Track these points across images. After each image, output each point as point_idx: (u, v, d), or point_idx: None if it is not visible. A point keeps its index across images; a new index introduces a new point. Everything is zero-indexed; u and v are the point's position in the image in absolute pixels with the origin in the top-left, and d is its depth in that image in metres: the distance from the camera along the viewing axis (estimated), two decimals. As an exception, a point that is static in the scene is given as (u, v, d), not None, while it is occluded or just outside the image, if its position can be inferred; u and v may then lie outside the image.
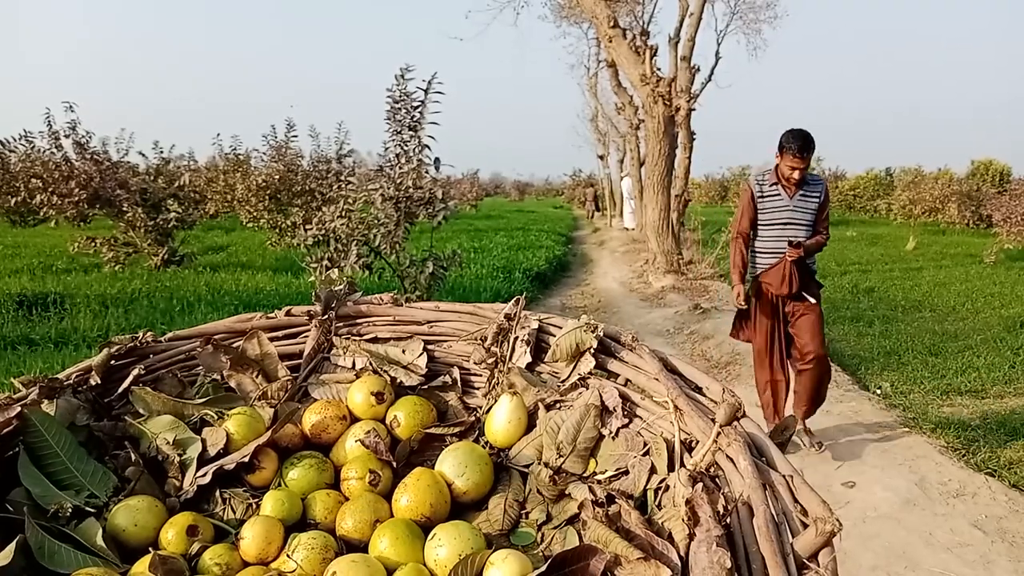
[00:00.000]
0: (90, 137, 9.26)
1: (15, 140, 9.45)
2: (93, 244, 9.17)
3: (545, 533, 0.90)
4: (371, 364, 1.17)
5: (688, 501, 0.76)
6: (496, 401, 1.07)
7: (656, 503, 0.86)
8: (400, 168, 4.47)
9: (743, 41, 27.36)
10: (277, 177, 10.69)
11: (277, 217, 10.56)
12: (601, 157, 25.65)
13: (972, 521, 3.03)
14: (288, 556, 0.85)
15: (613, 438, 0.97)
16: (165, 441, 1.00)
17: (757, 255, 3.68)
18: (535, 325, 1.12)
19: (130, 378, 1.09)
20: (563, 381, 1.06)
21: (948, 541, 2.88)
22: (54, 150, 9.09)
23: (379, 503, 0.96)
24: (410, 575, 0.83)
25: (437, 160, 4.59)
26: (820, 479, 3.38)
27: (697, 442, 0.87)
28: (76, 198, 8.89)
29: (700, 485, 0.78)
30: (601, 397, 0.99)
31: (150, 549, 0.87)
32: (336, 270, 4.44)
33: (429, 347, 1.20)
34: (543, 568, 0.73)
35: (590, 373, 1.03)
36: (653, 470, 0.89)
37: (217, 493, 0.98)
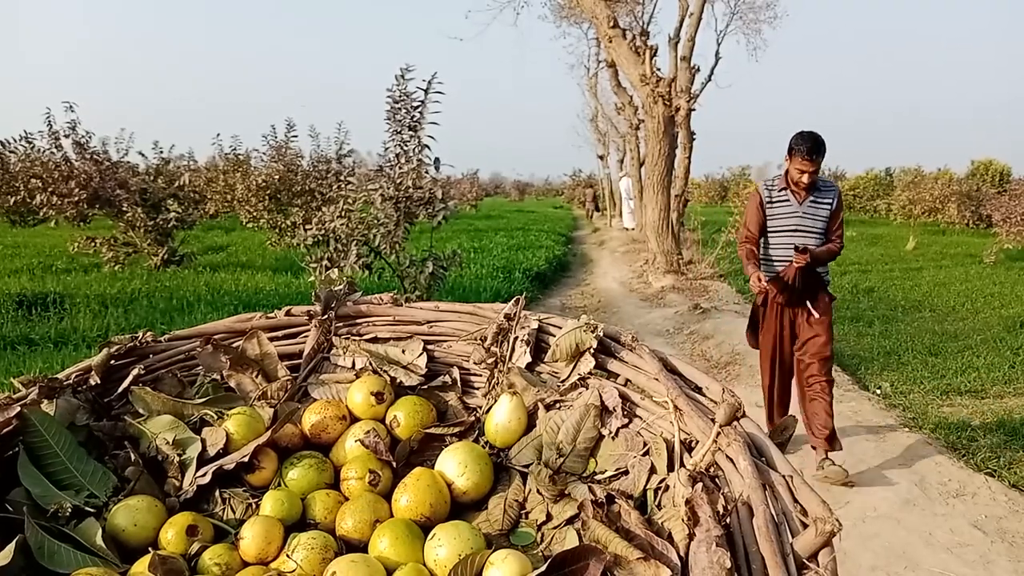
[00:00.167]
0: (90, 137, 9.27)
1: (15, 140, 9.44)
2: (93, 244, 9.17)
3: (545, 533, 0.90)
4: (371, 364, 1.17)
5: (688, 501, 0.76)
6: (496, 401, 1.07)
7: (656, 503, 0.86)
8: (400, 168, 4.47)
9: (743, 41, 27.35)
10: (277, 177, 10.69)
11: (277, 217, 10.56)
12: (601, 157, 25.64)
13: (972, 521, 3.03)
14: (288, 556, 0.85)
15: (613, 438, 0.97)
16: (165, 441, 1.00)
17: (764, 264, 3.49)
18: (535, 325, 1.12)
19: (130, 378, 1.09)
20: (563, 381, 1.06)
21: (948, 541, 2.88)
22: (54, 150, 9.09)
23: (379, 503, 0.96)
24: (410, 575, 0.83)
25: (437, 160, 4.59)
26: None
27: (697, 442, 0.87)
28: (76, 198, 8.89)
29: (700, 485, 0.78)
30: (601, 397, 0.99)
31: (150, 549, 0.87)
32: (336, 270, 4.44)
33: (429, 347, 1.20)
34: (543, 568, 0.73)
35: (590, 373, 1.03)
36: (653, 470, 0.89)
37: (217, 493, 0.98)
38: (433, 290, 4.72)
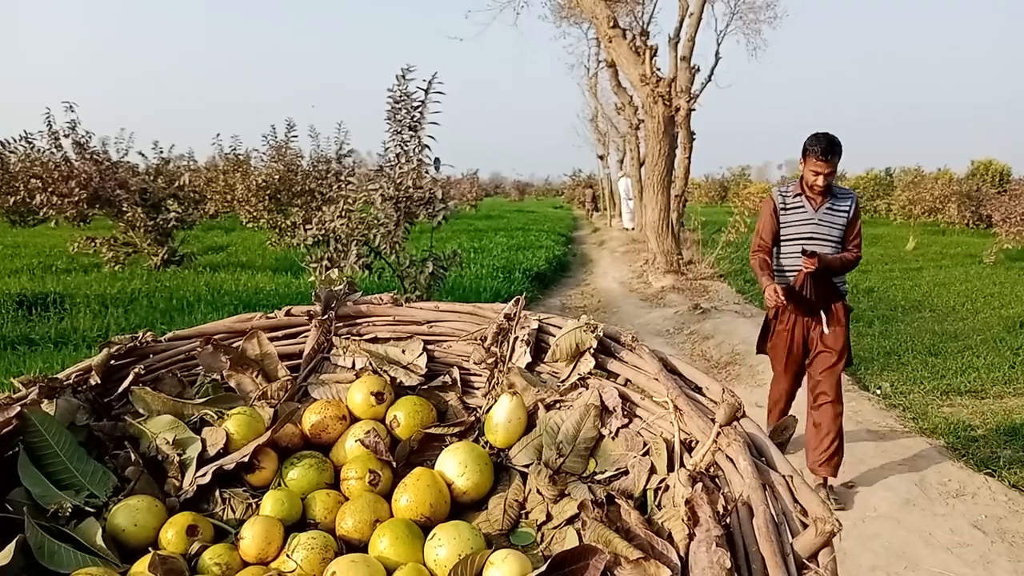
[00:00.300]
0: (90, 137, 9.27)
1: (15, 140, 9.44)
2: (93, 244, 9.17)
3: (545, 533, 0.90)
4: (371, 364, 1.17)
5: (688, 501, 0.76)
6: (496, 401, 1.07)
7: (656, 503, 0.86)
8: (400, 168, 4.47)
9: (743, 41, 27.36)
10: (277, 177, 10.68)
11: (277, 217, 10.55)
12: (601, 157, 25.65)
13: (972, 521, 3.03)
14: (288, 556, 0.85)
15: (613, 438, 0.97)
16: (165, 441, 1.00)
17: (777, 274, 3.31)
18: (535, 325, 1.12)
19: (130, 378, 1.09)
20: (563, 381, 1.06)
21: (948, 541, 2.88)
22: (54, 150, 9.09)
23: (379, 503, 0.96)
24: (410, 575, 0.83)
25: (437, 160, 4.59)
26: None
27: (697, 442, 0.87)
28: (76, 198, 8.88)
29: (700, 485, 0.78)
30: (601, 397, 0.99)
31: (150, 549, 0.87)
32: (336, 270, 4.44)
33: (429, 347, 1.20)
34: (543, 568, 0.73)
35: (590, 373, 1.03)
36: (653, 470, 0.89)
37: (217, 493, 0.98)
38: (433, 290, 4.72)
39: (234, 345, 1.18)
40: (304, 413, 1.11)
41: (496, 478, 1.02)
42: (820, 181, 3.13)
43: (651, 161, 10.17)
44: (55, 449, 0.95)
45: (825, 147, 3.06)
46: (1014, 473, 3.45)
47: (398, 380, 1.15)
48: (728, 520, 0.74)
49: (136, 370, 1.11)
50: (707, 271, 10.01)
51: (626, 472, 0.92)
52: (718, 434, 0.82)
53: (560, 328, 1.08)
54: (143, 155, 10.35)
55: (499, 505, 0.95)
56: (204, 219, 12.75)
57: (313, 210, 8.23)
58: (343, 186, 5.62)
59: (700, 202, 31.97)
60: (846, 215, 3.21)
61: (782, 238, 3.31)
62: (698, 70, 12.04)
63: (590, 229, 22.04)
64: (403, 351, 1.19)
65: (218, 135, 15.89)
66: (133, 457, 0.99)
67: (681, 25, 12.44)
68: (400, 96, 4.38)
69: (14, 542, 0.80)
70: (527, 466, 1.01)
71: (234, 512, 0.96)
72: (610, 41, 10.10)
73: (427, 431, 1.09)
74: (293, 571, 0.84)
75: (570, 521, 0.88)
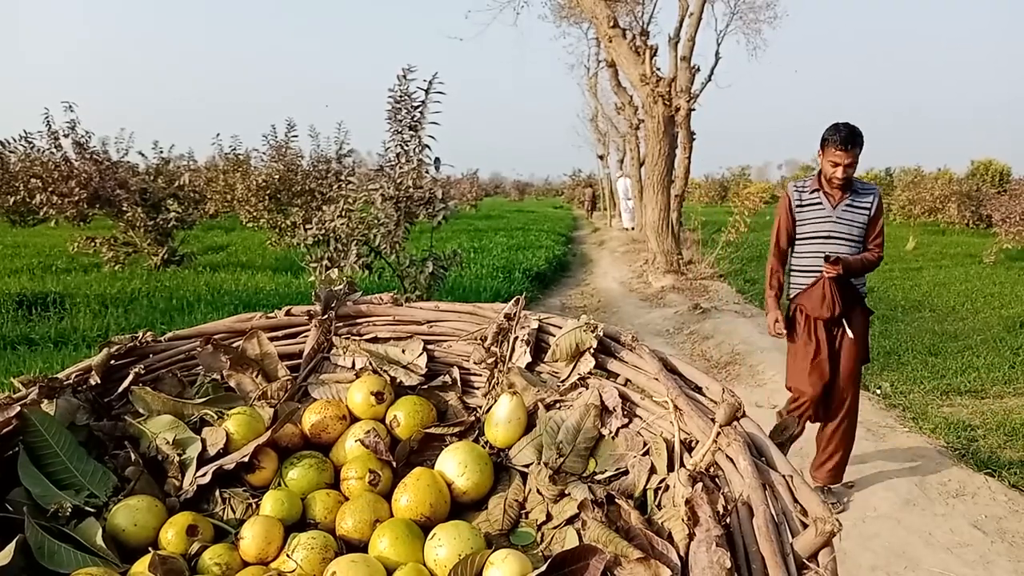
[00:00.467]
0: (90, 137, 9.26)
1: (15, 140, 9.44)
2: (93, 244, 9.16)
3: (545, 533, 0.90)
4: (371, 364, 1.17)
5: (688, 501, 0.76)
6: (496, 401, 1.07)
7: (656, 503, 0.86)
8: (400, 168, 4.47)
9: (743, 41, 27.34)
10: (277, 177, 10.68)
11: (277, 217, 10.55)
12: (601, 157, 25.64)
13: (972, 521, 3.03)
14: (288, 556, 0.85)
15: (613, 438, 0.97)
16: (165, 441, 1.00)
17: (792, 274, 3.17)
18: (535, 325, 1.12)
19: (130, 378, 1.09)
20: (563, 381, 1.06)
21: (948, 541, 2.88)
22: (54, 150, 9.09)
23: (379, 503, 0.95)
24: (410, 575, 0.83)
25: (437, 160, 4.59)
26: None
27: (697, 442, 0.87)
28: (76, 198, 8.88)
29: (700, 485, 0.78)
30: (601, 397, 0.99)
31: (150, 549, 0.86)
32: (336, 270, 4.44)
33: (429, 347, 1.20)
34: (543, 568, 0.73)
35: (590, 373, 1.03)
36: (653, 470, 0.89)
37: (217, 493, 0.98)
38: (433, 290, 4.72)
39: (234, 345, 1.18)
40: (304, 413, 1.11)
41: (496, 478, 1.02)
42: (839, 173, 2.94)
43: (651, 161, 10.17)
44: (55, 449, 0.95)
45: (845, 136, 2.88)
46: (1014, 473, 3.45)
47: (398, 380, 1.15)
48: (728, 520, 0.74)
49: (136, 370, 1.11)
50: (707, 271, 10.02)
51: (626, 472, 0.92)
52: (718, 434, 0.82)
53: (560, 328, 1.08)
54: (143, 155, 10.37)
55: (499, 505, 0.95)
56: (204, 219, 12.75)
57: (313, 210, 8.23)
58: (343, 186, 5.62)
59: (700, 202, 31.98)
60: (867, 212, 3.02)
61: (798, 236, 3.14)
62: (698, 70, 12.04)
63: (590, 229, 22.04)
64: (403, 351, 1.19)
65: (218, 135, 15.93)
66: (133, 457, 0.99)
67: (681, 25, 12.45)
68: (400, 96, 4.38)
69: (14, 542, 0.80)
70: (527, 466, 1.01)
71: (234, 512, 0.96)
72: (610, 41, 10.10)
73: (427, 431, 1.09)
74: (293, 571, 0.84)
75: (570, 521, 0.87)
